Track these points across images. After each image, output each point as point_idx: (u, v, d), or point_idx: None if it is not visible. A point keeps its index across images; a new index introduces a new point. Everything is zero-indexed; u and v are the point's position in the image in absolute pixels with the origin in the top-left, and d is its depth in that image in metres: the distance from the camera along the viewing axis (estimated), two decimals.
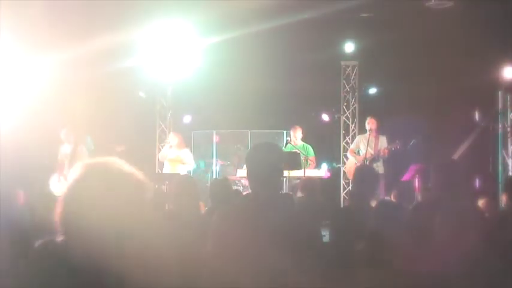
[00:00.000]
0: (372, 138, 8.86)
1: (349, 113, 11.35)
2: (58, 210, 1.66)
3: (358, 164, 8.74)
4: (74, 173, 1.72)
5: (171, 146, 9.48)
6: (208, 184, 10.84)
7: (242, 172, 9.28)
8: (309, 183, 6.81)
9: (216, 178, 9.71)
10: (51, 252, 1.62)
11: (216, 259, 2.48)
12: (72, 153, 8.72)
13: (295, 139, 9.12)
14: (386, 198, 6.67)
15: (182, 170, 9.30)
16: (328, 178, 9.67)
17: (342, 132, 11.34)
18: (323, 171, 9.28)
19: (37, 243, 1.66)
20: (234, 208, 2.91)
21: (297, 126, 9.25)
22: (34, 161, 7.73)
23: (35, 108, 7.89)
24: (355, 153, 9.22)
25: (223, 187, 4.94)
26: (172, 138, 9.59)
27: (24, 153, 7.25)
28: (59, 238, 1.65)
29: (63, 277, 1.57)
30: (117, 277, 1.61)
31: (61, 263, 1.59)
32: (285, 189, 8.41)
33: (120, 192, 1.67)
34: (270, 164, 2.72)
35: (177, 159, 9.42)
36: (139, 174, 1.77)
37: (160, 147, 11.22)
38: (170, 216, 4.20)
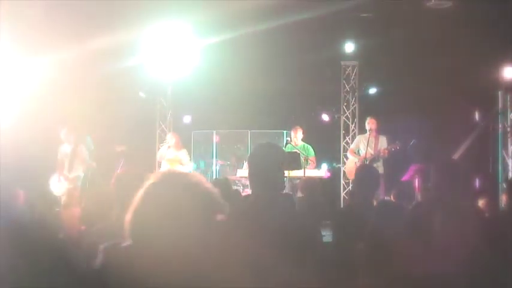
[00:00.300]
0: (372, 139, 8.86)
1: (349, 113, 11.35)
2: (128, 216, 1.68)
3: (359, 164, 8.75)
4: (148, 181, 1.74)
5: (169, 147, 9.47)
6: None
7: (242, 172, 9.29)
8: (309, 183, 6.81)
9: (216, 178, 9.71)
10: (116, 256, 1.63)
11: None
12: (72, 153, 8.73)
13: (296, 139, 9.12)
14: (386, 198, 6.67)
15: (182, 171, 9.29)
16: (328, 178, 9.67)
17: (342, 132, 11.34)
18: (323, 171, 9.28)
19: (103, 246, 1.68)
20: (234, 208, 2.91)
21: (298, 127, 9.25)
22: (34, 161, 7.72)
23: (35, 108, 7.89)
24: (355, 153, 9.22)
25: (224, 187, 4.94)
26: (170, 139, 9.59)
27: (24, 153, 7.25)
28: (125, 243, 1.67)
29: (125, 282, 1.58)
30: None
31: (124, 268, 1.60)
32: (286, 189, 8.41)
33: (190, 205, 1.68)
34: (271, 164, 2.72)
35: (175, 159, 9.41)
36: (215, 192, 1.78)
37: (160, 147, 11.22)
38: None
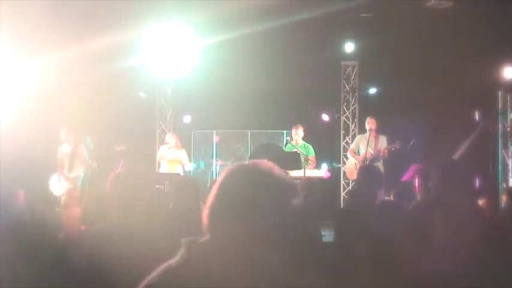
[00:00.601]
0: (372, 138, 8.86)
1: (349, 113, 11.35)
2: (205, 210, 1.65)
3: (359, 164, 8.75)
4: (222, 174, 1.71)
5: (170, 147, 9.48)
6: (209, 184, 10.88)
7: None
8: (309, 183, 6.81)
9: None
10: (195, 252, 1.60)
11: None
12: (72, 153, 8.73)
13: (297, 137, 9.11)
14: (387, 198, 6.67)
15: (180, 171, 9.30)
16: (328, 178, 9.66)
17: (342, 132, 11.34)
18: (323, 171, 9.27)
19: (183, 240, 1.64)
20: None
21: (299, 125, 9.24)
22: (34, 161, 7.72)
23: (35, 108, 7.89)
24: (355, 153, 9.22)
25: None
26: (170, 139, 9.59)
27: (24, 153, 7.25)
28: (204, 238, 1.64)
29: (205, 277, 1.55)
30: (257, 280, 1.59)
31: (204, 263, 1.57)
32: None
33: (267, 195, 1.64)
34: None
35: (175, 159, 9.42)
36: (288, 177, 1.74)
37: (160, 147, 11.22)
38: (171, 216, 4.20)
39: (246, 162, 1.76)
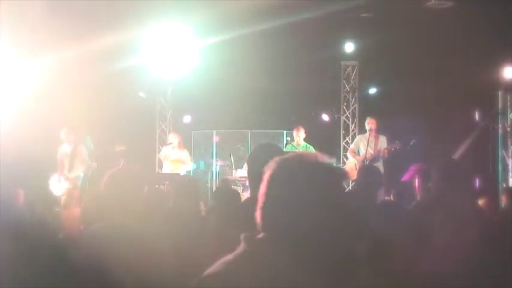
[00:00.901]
0: (372, 139, 8.86)
1: (349, 113, 11.35)
2: (258, 206, 1.60)
3: (359, 165, 8.74)
4: (268, 168, 1.63)
5: (173, 147, 9.48)
6: (209, 184, 10.88)
7: (241, 172, 9.28)
8: None
9: (224, 178, 9.71)
10: (253, 247, 1.56)
11: (214, 259, 2.48)
12: (72, 153, 8.73)
13: (298, 139, 9.12)
14: (387, 198, 6.66)
15: (183, 171, 9.31)
16: None
17: (342, 132, 11.35)
18: None
19: (242, 236, 1.59)
20: (233, 208, 2.91)
21: (300, 127, 9.24)
22: (34, 161, 7.72)
23: (35, 108, 7.89)
24: (355, 153, 9.22)
25: (227, 187, 4.95)
26: (173, 139, 9.59)
27: (24, 153, 7.25)
28: (259, 235, 1.58)
29: (260, 274, 1.51)
30: (313, 274, 1.54)
31: (261, 259, 1.52)
32: None
33: (318, 184, 1.56)
34: (267, 164, 2.71)
35: (178, 159, 9.42)
36: (336, 166, 1.67)
37: (160, 147, 11.22)
38: (170, 215, 4.20)
39: (289, 155, 1.69)
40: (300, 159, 1.64)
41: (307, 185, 1.56)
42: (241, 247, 1.58)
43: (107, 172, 3.00)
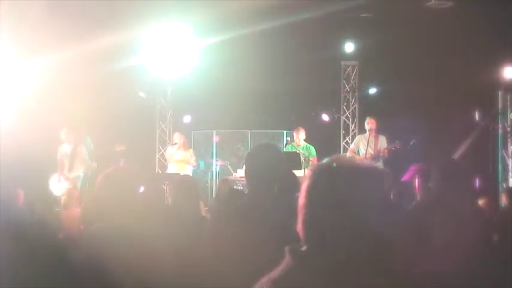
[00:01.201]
0: (372, 139, 8.86)
1: (349, 113, 11.35)
2: (299, 217, 1.51)
3: None
4: (305, 179, 1.52)
5: (178, 147, 9.49)
6: (208, 184, 10.89)
7: (241, 172, 9.29)
8: None
9: (224, 178, 9.73)
10: (299, 261, 1.47)
11: (213, 259, 2.48)
12: (72, 153, 8.74)
13: (298, 140, 9.12)
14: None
15: (188, 171, 9.30)
16: None
17: (342, 132, 11.35)
18: None
19: (286, 249, 1.49)
20: (232, 208, 2.91)
21: (300, 128, 9.24)
22: (34, 161, 7.73)
23: (35, 108, 7.89)
24: (354, 153, 9.22)
25: (229, 187, 4.94)
26: (179, 139, 9.60)
27: (24, 153, 7.25)
28: (303, 247, 1.50)
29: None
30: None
31: (307, 275, 1.44)
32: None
33: (363, 194, 1.47)
34: (267, 164, 2.71)
35: (183, 159, 9.43)
36: (375, 167, 1.55)
37: (160, 147, 11.22)
38: (170, 215, 4.20)
39: (325, 160, 1.56)
40: (343, 165, 1.52)
41: (355, 192, 1.47)
42: (286, 262, 1.49)
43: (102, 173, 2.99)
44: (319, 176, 1.51)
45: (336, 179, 1.49)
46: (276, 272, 1.48)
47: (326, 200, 1.47)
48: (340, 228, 1.45)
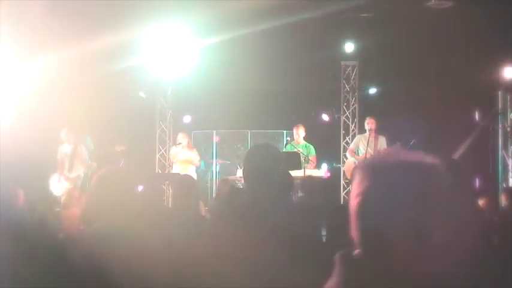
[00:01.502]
0: (372, 139, 8.86)
1: (349, 113, 11.35)
2: (352, 222, 1.40)
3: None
4: (354, 174, 1.40)
5: (183, 147, 9.49)
6: (208, 184, 10.89)
7: (241, 172, 9.28)
8: (309, 183, 6.81)
9: (224, 178, 9.73)
10: (351, 269, 1.40)
11: (212, 259, 2.48)
12: (72, 153, 8.74)
13: (298, 137, 9.12)
14: None
15: (192, 171, 9.30)
16: (328, 178, 9.66)
17: (342, 132, 11.34)
18: (323, 171, 9.27)
19: (337, 255, 1.42)
20: (230, 208, 2.91)
21: (300, 125, 9.25)
22: (34, 161, 7.73)
23: (35, 108, 7.89)
24: (354, 153, 9.22)
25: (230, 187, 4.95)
26: (183, 139, 9.60)
27: (24, 153, 7.25)
28: (356, 251, 1.41)
29: None
30: None
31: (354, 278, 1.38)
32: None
33: (430, 186, 1.35)
34: (266, 165, 2.71)
35: (188, 159, 9.44)
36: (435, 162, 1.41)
37: (160, 147, 11.22)
38: (170, 215, 4.21)
39: (370, 159, 1.47)
40: (399, 159, 1.38)
41: (418, 189, 1.37)
42: (338, 270, 1.41)
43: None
44: (376, 172, 1.38)
45: (398, 175, 1.36)
46: (331, 283, 1.40)
47: (387, 199, 1.37)
48: (404, 229, 1.39)
